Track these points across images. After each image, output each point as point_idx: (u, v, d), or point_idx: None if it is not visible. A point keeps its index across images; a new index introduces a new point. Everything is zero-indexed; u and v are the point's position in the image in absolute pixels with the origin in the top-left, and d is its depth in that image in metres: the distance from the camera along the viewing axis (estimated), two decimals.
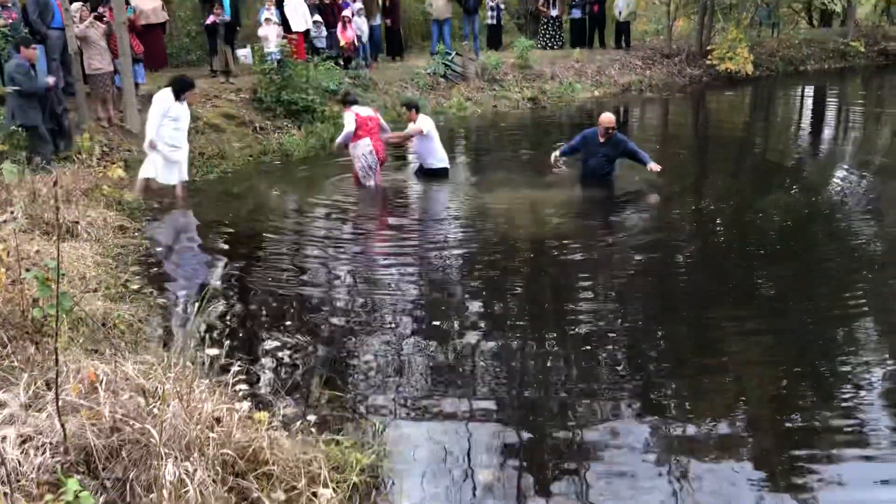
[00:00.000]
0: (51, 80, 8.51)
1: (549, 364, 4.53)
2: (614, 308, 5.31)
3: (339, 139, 9.11)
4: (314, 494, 3.05)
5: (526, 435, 3.83)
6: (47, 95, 8.40)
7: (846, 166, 9.78)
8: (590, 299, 5.47)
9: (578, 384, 4.28)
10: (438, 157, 9.23)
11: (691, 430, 3.81)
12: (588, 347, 4.68)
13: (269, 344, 4.87)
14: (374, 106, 10.56)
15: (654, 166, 8.31)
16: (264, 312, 5.43)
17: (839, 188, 8.66)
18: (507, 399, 4.16)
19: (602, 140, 8.48)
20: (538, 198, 8.28)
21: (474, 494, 3.35)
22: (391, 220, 8.10)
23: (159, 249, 6.80)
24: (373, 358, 4.63)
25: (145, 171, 8.32)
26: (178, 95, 8.17)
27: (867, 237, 6.85)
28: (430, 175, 9.23)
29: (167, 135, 8.17)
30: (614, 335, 4.87)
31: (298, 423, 3.65)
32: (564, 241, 6.96)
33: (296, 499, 3.03)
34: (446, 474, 3.49)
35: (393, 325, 5.09)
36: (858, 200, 8.05)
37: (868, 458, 3.55)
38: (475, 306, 5.44)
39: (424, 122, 9.12)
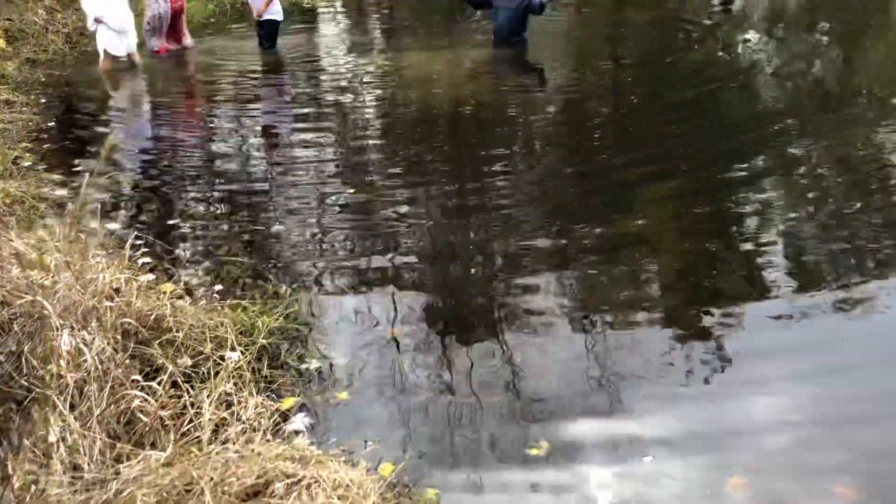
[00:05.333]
0: None
1: (467, 226, 4.54)
2: (532, 168, 5.34)
3: None
4: (221, 358, 3.06)
5: (444, 294, 3.88)
6: None
7: (762, 26, 9.83)
8: (507, 160, 5.47)
9: (496, 243, 4.32)
10: (275, 9, 8.58)
11: (605, 286, 3.91)
12: (505, 208, 4.70)
13: (173, 215, 4.75)
14: None
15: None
16: (167, 184, 5.26)
17: (752, 48, 8.71)
18: (424, 262, 4.18)
19: None
20: (452, 60, 8.11)
21: (389, 350, 3.41)
22: (303, 84, 7.82)
23: (52, 123, 6.42)
24: (283, 226, 4.57)
25: (101, 44, 7.78)
26: None
27: (777, 98, 6.96)
28: (263, 27, 8.61)
29: (107, 6, 7.60)
30: (532, 196, 4.91)
31: (203, 291, 3.62)
32: (480, 103, 6.89)
33: (203, 363, 3.03)
34: (360, 332, 3.53)
35: (305, 193, 5.01)
36: (771, 61, 8.14)
37: (770, 302, 3.72)
38: (392, 170, 5.38)
39: None
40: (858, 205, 4.63)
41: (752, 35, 9.23)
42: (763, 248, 4.20)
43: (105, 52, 7.79)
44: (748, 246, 4.25)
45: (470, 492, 2.63)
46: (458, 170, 5.47)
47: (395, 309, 3.70)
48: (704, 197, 4.83)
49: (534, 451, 2.77)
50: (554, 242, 4.35)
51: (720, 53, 8.34)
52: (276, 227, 4.56)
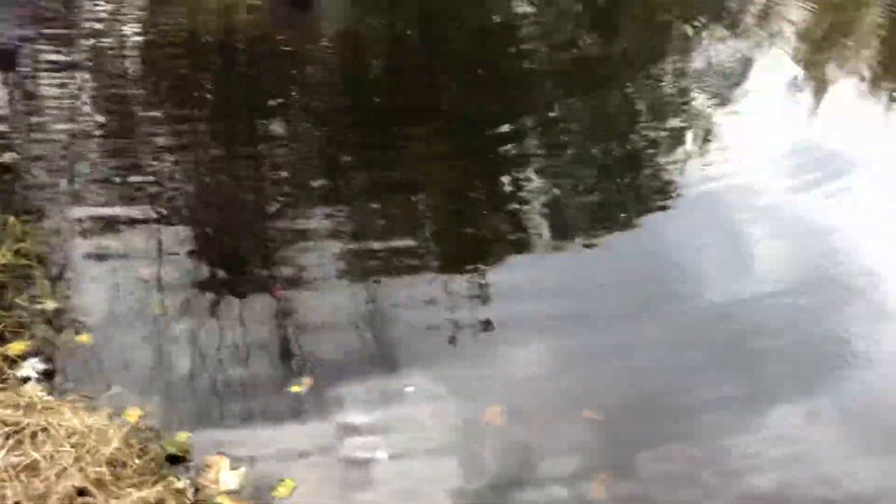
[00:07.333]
0: None
1: (238, 178, 4.21)
2: (306, 120, 5.11)
3: None
4: None
5: (204, 232, 3.62)
6: None
7: None
8: (281, 109, 5.19)
9: (271, 200, 4.03)
10: None
11: (373, 231, 3.83)
12: (280, 163, 4.44)
13: None
14: None
15: None
16: None
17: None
18: (184, 198, 3.85)
19: None
20: None
21: (139, 289, 3.12)
22: (58, 25, 6.91)
23: None
24: (17, 154, 4.01)
25: None
26: None
27: (551, 52, 7.19)
28: None
29: None
30: (306, 149, 4.66)
31: None
32: (254, 43, 6.51)
33: None
34: (106, 271, 3.20)
35: (47, 119, 4.44)
36: (551, 12, 8.35)
37: (527, 248, 3.88)
38: (152, 100, 4.91)
39: None
40: (610, 159, 4.97)
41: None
42: (521, 200, 4.37)
43: None
44: (509, 198, 4.39)
45: (223, 429, 2.48)
46: (225, 106, 5.13)
47: (147, 246, 3.40)
48: (469, 148, 4.93)
49: (295, 389, 2.68)
50: (326, 184, 4.21)
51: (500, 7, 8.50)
52: (7, 155, 3.99)
